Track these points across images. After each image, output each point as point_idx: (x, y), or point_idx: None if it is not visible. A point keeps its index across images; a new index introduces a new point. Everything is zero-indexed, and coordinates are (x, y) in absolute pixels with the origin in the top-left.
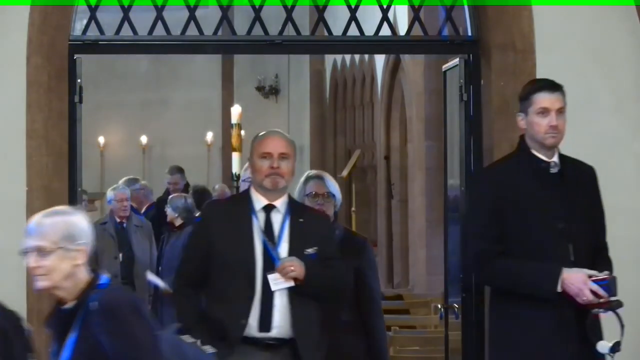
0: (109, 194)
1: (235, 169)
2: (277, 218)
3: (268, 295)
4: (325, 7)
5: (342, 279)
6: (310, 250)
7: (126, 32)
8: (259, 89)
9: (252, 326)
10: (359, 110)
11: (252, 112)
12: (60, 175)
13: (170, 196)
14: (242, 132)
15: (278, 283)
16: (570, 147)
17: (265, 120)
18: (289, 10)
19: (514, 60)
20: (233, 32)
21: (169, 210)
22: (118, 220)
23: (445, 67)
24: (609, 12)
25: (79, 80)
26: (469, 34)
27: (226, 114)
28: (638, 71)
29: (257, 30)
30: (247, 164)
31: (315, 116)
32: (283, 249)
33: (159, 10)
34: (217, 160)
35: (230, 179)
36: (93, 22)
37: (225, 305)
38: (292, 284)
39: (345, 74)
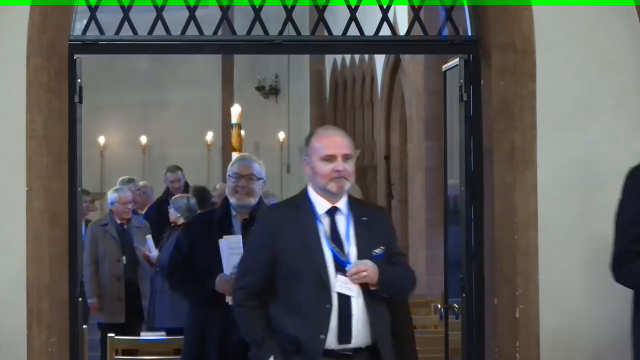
0: (112, 195)
1: None
2: (341, 220)
3: (345, 304)
4: (325, 7)
5: (410, 274)
6: (377, 251)
7: (126, 32)
8: (259, 89)
9: (331, 339)
10: (359, 110)
11: (252, 112)
12: (60, 175)
13: (174, 197)
14: (242, 132)
15: (347, 288)
16: (570, 148)
17: (265, 120)
18: (289, 10)
19: (514, 60)
20: (233, 32)
21: (171, 211)
22: (119, 221)
23: (445, 67)
24: (609, 12)
25: (79, 80)
26: (469, 34)
27: (226, 114)
28: (638, 71)
29: (257, 30)
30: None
31: (315, 116)
32: (352, 253)
33: (159, 10)
34: (217, 160)
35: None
36: (93, 22)
37: (300, 318)
38: (357, 288)
39: (345, 74)
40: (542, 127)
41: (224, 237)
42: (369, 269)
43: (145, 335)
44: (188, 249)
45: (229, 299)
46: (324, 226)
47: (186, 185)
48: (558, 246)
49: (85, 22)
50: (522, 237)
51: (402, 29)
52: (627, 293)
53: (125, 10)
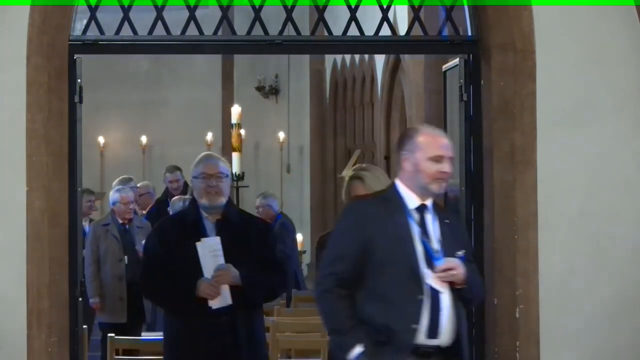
0: (114, 195)
1: (235, 168)
2: (429, 218)
3: (436, 298)
4: (325, 7)
5: (481, 281)
6: (459, 253)
7: (126, 32)
8: (259, 89)
9: (421, 331)
10: (359, 110)
11: (252, 112)
12: (60, 175)
13: (172, 199)
14: (242, 132)
15: (437, 283)
16: (570, 148)
17: (265, 120)
18: (289, 10)
19: (514, 60)
20: (233, 32)
21: (170, 213)
22: (121, 221)
23: (445, 67)
24: (609, 12)
25: (79, 80)
26: (469, 34)
27: (226, 114)
28: (638, 71)
29: (257, 30)
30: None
31: (315, 116)
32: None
33: (159, 10)
34: None
35: (231, 178)
36: (93, 22)
37: (391, 308)
38: (445, 284)
39: (345, 74)
40: (542, 127)
41: (202, 239)
42: (458, 268)
43: (146, 335)
44: (162, 254)
45: (212, 303)
46: (414, 221)
47: (185, 185)
48: (558, 246)
49: (85, 22)
50: (522, 237)
51: (402, 29)
52: (627, 293)
53: (125, 10)
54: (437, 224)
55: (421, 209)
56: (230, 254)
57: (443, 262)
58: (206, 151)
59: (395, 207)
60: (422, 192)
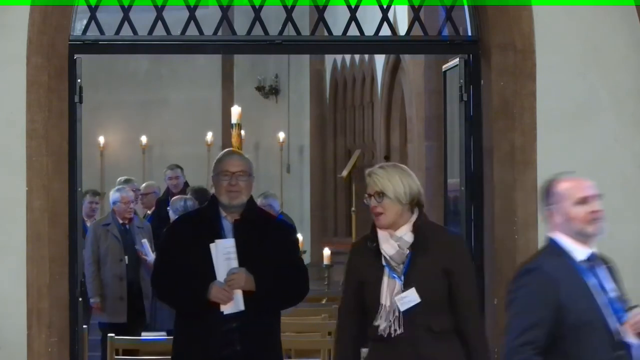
0: (114, 195)
1: None
2: (599, 267)
3: (629, 352)
4: (325, 7)
5: None
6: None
7: (126, 32)
8: (259, 89)
9: None
10: (359, 110)
11: (252, 112)
12: (60, 175)
13: (172, 199)
14: (242, 132)
15: (629, 337)
16: (570, 148)
17: (265, 120)
18: (289, 10)
19: (514, 60)
20: (233, 32)
21: (170, 213)
22: (121, 221)
23: (445, 67)
24: (609, 12)
25: (79, 80)
26: (469, 34)
27: (226, 114)
28: (638, 71)
29: (257, 30)
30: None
31: (315, 116)
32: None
33: (159, 10)
34: None
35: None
36: (93, 22)
37: None
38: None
39: (345, 74)
40: (542, 127)
41: (216, 240)
42: None
43: (146, 335)
44: (176, 253)
45: (224, 308)
46: (589, 273)
47: (186, 184)
48: None
49: (85, 22)
50: (522, 237)
51: (402, 29)
52: (628, 293)
53: (125, 10)
54: (603, 270)
55: (591, 258)
56: (246, 256)
57: (633, 313)
58: (207, 151)
59: (570, 262)
60: (583, 238)
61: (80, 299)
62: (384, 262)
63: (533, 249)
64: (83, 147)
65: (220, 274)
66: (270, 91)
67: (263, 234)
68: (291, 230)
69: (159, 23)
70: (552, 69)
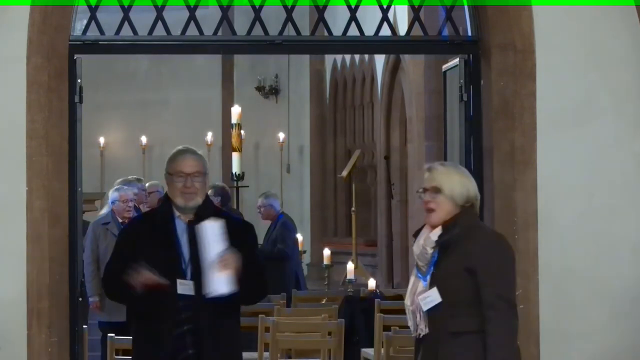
0: (113, 194)
1: (235, 169)
2: None
3: None
4: (325, 7)
5: None
6: None
7: (126, 32)
8: (259, 89)
9: None
10: (359, 110)
11: (252, 112)
12: (60, 175)
13: None
14: (242, 132)
15: None
16: (570, 148)
17: (265, 120)
18: (289, 10)
19: (514, 60)
20: (233, 32)
21: None
22: (120, 220)
23: (445, 67)
24: (609, 12)
25: (79, 80)
26: (469, 34)
27: (226, 114)
28: (638, 71)
29: (257, 30)
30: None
31: (315, 116)
32: None
33: (159, 10)
34: (217, 160)
35: (230, 179)
36: (93, 22)
37: None
38: None
39: (345, 74)
40: (542, 127)
41: (202, 222)
42: None
43: None
44: (128, 253)
45: (209, 287)
46: None
47: None
48: (558, 246)
49: (85, 22)
50: (522, 237)
51: (402, 29)
52: (628, 293)
53: (125, 10)
54: None
55: None
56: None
57: None
58: (204, 150)
59: None
60: None
61: (80, 299)
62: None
63: (533, 249)
64: (83, 147)
65: (209, 253)
66: (270, 91)
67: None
68: (249, 228)
69: (159, 23)
70: (552, 69)
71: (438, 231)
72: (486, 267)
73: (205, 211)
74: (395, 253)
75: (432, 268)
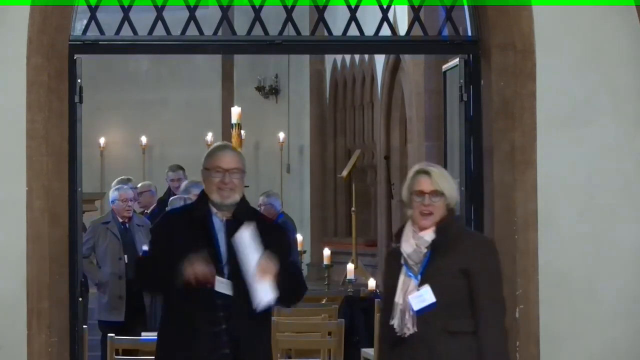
0: (113, 193)
1: None
2: None
3: None
4: (325, 7)
5: None
6: None
7: (126, 32)
8: (259, 89)
9: None
10: (359, 110)
11: (252, 112)
12: (60, 175)
13: (171, 198)
14: (242, 132)
15: None
16: (570, 148)
17: (265, 120)
18: (289, 10)
19: (514, 60)
20: (233, 32)
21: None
22: (120, 220)
23: (445, 67)
24: (609, 12)
25: (79, 80)
26: (469, 34)
27: (226, 114)
28: (638, 71)
29: (257, 30)
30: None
31: (315, 116)
32: None
33: (159, 10)
34: None
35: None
36: (93, 22)
37: None
38: None
39: (345, 74)
40: (542, 127)
41: (235, 235)
42: None
43: (146, 335)
44: (165, 248)
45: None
46: None
47: None
48: (558, 246)
49: (85, 22)
50: (522, 237)
51: (402, 29)
52: (628, 293)
53: (125, 10)
54: None
55: None
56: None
57: None
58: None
59: None
60: None
61: (80, 299)
62: (402, 261)
63: (533, 249)
64: (83, 147)
65: (248, 264)
66: (270, 91)
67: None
68: (288, 231)
69: (159, 23)
70: (552, 69)
71: (431, 232)
72: (482, 270)
73: (242, 210)
74: None
75: (423, 268)
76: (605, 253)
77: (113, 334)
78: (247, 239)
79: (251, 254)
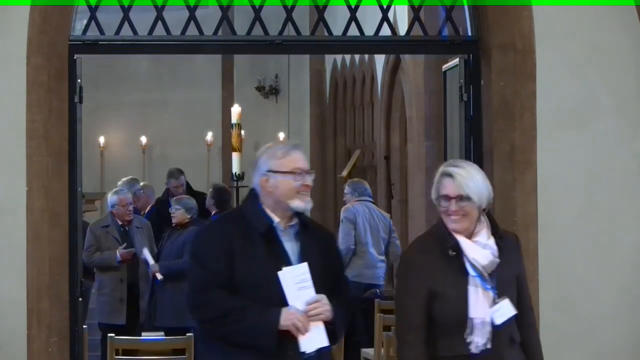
0: (112, 198)
1: (235, 169)
2: None
3: None
4: (325, 7)
5: None
6: None
7: (126, 32)
8: (259, 89)
9: None
10: (359, 110)
11: (252, 112)
12: (60, 175)
13: (178, 197)
14: (242, 132)
15: None
16: (570, 148)
17: (265, 120)
18: (289, 10)
19: (514, 60)
20: (233, 32)
21: (180, 211)
22: (120, 223)
23: (445, 67)
24: (609, 12)
25: (79, 80)
26: (469, 34)
27: (226, 114)
28: (638, 71)
29: (257, 30)
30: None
31: (315, 116)
32: None
33: (159, 10)
34: (217, 160)
35: (230, 179)
36: (93, 22)
37: None
38: None
39: (345, 74)
40: (542, 127)
41: (284, 268)
42: None
43: (146, 335)
44: (225, 266)
45: (304, 345)
46: None
47: (187, 185)
48: (558, 246)
49: (85, 22)
50: (522, 237)
51: (402, 29)
52: (627, 293)
53: (125, 10)
54: None
55: None
56: (312, 274)
57: None
58: (207, 151)
59: None
60: None
61: (80, 299)
62: (473, 272)
63: (533, 249)
64: (83, 147)
65: (295, 305)
66: (270, 91)
67: (321, 248)
68: (335, 242)
69: (159, 23)
70: (552, 69)
71: (486, 237)
72: (522, 272)
73: (305, 218)
74: None
75: (495, 278)
76: (605, 253)
77: (113, 334)
78: (294, 277)
79: (300, 294)
